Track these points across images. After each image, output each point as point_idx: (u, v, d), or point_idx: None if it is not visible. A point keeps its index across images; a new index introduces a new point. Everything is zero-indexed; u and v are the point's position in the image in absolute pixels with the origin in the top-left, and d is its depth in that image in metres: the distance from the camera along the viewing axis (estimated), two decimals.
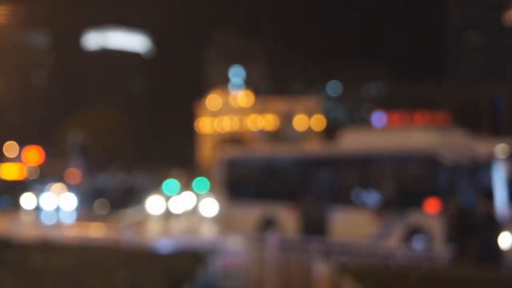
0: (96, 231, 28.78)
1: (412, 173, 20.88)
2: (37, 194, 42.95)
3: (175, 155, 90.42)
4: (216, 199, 38.94)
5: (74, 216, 37.22)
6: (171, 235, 28.16)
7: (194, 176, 55.17)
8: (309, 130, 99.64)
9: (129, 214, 35.97)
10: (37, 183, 47.79)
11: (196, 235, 28.88)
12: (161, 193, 42.58)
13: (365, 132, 24.02)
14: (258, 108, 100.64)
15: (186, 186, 47.30)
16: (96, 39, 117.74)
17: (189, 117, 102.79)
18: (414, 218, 19.87)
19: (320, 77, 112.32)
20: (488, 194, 17.91)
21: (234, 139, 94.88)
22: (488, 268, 13.55)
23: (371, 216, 20.96)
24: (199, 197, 43.27)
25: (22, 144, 65.20)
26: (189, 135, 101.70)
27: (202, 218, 37.15)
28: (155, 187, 44.74)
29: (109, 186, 49.42)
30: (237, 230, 23.97)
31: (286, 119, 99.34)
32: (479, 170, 18.57)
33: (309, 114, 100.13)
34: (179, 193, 43.78)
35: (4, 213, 37.56)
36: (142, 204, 39.48)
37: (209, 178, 55.77)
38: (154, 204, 39.92)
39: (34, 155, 61.05)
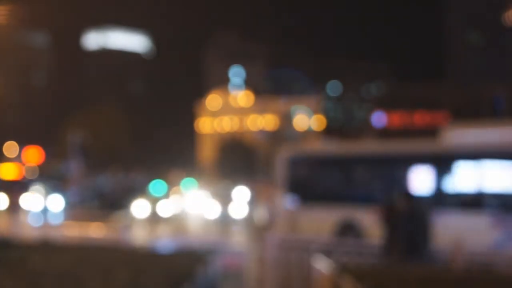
0: (96, 231, 28.78)
1: None
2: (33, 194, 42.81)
3: (175, 155, 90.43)
4: (240, 200, 38.13)
5: (61, 217, 36.73)
6: (171, 236, 28.13)
7: (193, 176, 55.15)
8: (309, 130, 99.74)
9: (118, 217, 35.42)
10: (36, 183, 47.77)
11: (196, 235, 28.85)
12: (148, 196, 40.49)
13: (479, 127, 22.10)
14: (258, 108, 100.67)
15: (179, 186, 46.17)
16: (96, 39, 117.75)
17: (189, 117, 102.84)
18: None
19: (320, 77, 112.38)
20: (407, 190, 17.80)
21: (234, 139, 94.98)
22: (412, 263, 13.48)
23: (490, 221, 19.30)
24: (187, 197, 41.68)
25: (22, 144, 65.21)
26: (189, 135, 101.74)
27: (206, 221, 35.57)
28: (141, 189, 43.12)
29: (109, 186, 49.44)
30: (306, 235, 21.84)
31: (286, 119, 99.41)
32: None
33: (309, 114, 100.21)
34: (167, 194, 41.90)
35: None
36: (128, 208, 37.53)
37: (200, 177, 55.84)
38: (139, 208, 37.76)
39: (34, 155, 61.04)
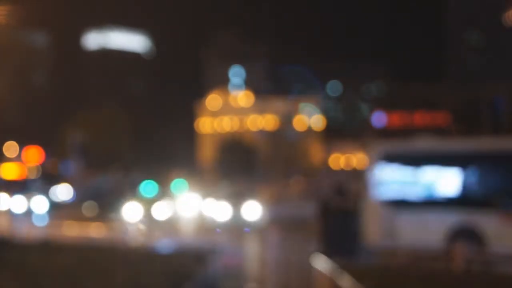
0: (96, 231, 28.76)
1: None
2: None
3: (175, 156, 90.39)
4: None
5: (45, 219, 36.10)
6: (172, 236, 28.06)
7: (193, 177, 54.97)
8: (309, 130, 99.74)
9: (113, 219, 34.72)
10: (37, 183, 47.70)
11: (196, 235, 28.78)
12: (139, 197, 38.18)
13: None
14: (258, 108, 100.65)
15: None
16: (96, 39, 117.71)
17: (189, 117, 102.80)
18: None
19: (320, 77, 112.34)
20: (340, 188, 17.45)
21: (235, 139, 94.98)
22: (345, 259, 13.15)
23: None
24: (177, 199, 39.51)
25: (22, 144, 65.15)
26: (189, 135, 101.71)
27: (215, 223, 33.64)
28: (131, 190, 40.73)
29: (108, 186, 49.31)
30: (410, 241, 19.02)
31: (286, 119, 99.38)
32: None
33: (309, 114, 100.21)
34: (159, 196, 39.59)
35: None
36: (118, 212, 35.57)
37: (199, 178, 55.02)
38: (130, 211, 35.41)
39: (34, 155, 61.00)
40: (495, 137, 31.25)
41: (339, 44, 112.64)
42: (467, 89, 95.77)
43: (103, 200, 43.51)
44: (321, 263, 13.01)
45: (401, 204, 19.62)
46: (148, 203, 36.73)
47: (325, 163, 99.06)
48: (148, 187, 41.67)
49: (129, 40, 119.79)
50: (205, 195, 38.28)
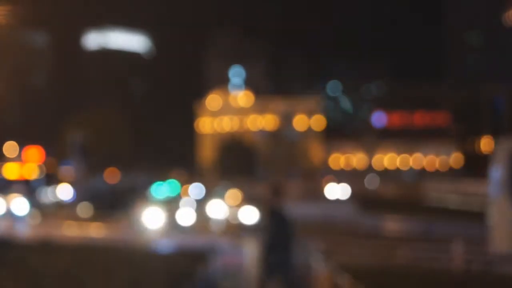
0: (96, 231, 28.75)
1: None
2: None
3: (175, 155, 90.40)
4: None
5: (26, 221, 35.40)
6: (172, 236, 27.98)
7: (193, 177, 54.89)
8: (309, 130, 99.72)
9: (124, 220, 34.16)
10: (39, 183, 47.63)
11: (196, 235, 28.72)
12: (151, 199, 35.82)
13: None
14: (258, 108, 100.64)
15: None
16: (96, 39, 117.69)
17: (189, 117, 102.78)
18: None
19: (320, 77, 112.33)
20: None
21: (235, 139, 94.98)
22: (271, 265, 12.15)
23: None
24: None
25: (22, 144, 65.15)
26: (189, 135, 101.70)
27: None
28: (141, 193, 38.70)
29: (107, 186, 49.29)
30: None
31: (286, 119, 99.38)
32: None
33: (309, 114, 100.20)
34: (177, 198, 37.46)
35: None
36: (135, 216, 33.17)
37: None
38: (151, 216, 32.62)
39: (34, 155, 60.99)
40: None
41: (339, 44, 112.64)
42: (467, 89, 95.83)
43: (105, 199, 43.35)
44: (321, 263, 13.01)
45: None
46: (169, 205, 34.37)
47: (325, 163, 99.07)
48: (160, 189, 39.81)
49: (129, 40, 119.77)
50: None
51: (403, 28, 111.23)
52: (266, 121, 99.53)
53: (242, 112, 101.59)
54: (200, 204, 36.04)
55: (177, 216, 33.28)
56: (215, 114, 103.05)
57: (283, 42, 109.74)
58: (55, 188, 49.93)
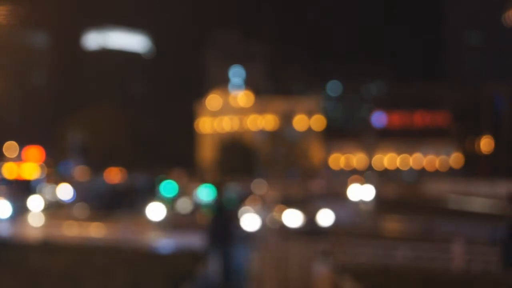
0: (96, 231, 28.75)
1: None
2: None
3: (175, 155, 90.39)
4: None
5: (5, 225, 34.80)
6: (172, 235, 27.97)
7: (193, 177, 54.80)
8: (309, 130, 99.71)
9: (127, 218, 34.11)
10: (40, 183, 47.53)
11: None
12: (160, 198, 36.67)
13: None
14: (258, 108, 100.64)
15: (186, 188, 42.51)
16: (96, 39, 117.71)
17: (189, 117, 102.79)
18: None
19: (320, 77, 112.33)
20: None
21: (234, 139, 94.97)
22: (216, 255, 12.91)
23: None
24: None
25: (22, 144, 65.16)
26: (189, 135, 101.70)
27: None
28: (151, 190, 39.68)
29: (107, 186, 49.24)
30: None
31: (286, 119, 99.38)
32: None
33: (309, 114, 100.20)
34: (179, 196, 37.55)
35: None
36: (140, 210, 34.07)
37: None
38: (155, 210, 34.05)
39: (34, 155, 60.99)
40: None
41: (339, 44, 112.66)
42: (467, 89, 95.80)
43: (104, 199, 43.29)
44: (321, 263, 13.01)
45: None
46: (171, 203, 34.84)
47: (325, 163, 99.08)
48: (168, 187, 39.53)
49: (129, 40, 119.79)
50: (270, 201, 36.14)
51: (403, 28, 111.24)
52: (266, 121, 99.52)
53: (242, 112, 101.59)
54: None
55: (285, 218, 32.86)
56: (215, 114, 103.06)
57: (283, 42, 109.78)
58: (55, 188, 49.92)
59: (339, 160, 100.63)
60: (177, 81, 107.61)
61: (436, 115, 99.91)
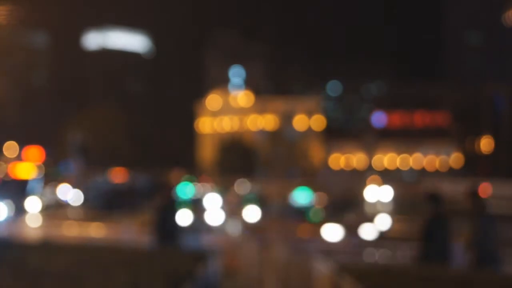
0: (96, 231, 28.76)
1: None
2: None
3: (175, 155, 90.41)
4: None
5: (4, 226, 34.56)
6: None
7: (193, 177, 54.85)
8: (309, 130, 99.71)
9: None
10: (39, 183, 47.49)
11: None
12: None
13: None
14: (258, 108, 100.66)
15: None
16: (96, 39, 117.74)
17: (189, 117, 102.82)
18: None
19: (320, 77, 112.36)
20: None
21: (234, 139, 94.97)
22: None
23: None
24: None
25: (22, 144, 65.20)
26: (189, 135, 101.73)
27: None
28: (151, 190, 39.88)
29: (107, 186, 49.26)
30: None
31: (286, 119, 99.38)
32: None
33: (309, 114, 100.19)
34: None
35: None
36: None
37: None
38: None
39: (34, 155, 61.00)
40: None
41: (339, 44, 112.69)
42: (467, 89, 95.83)
43: (104, 199, 43.25)
44: (321, 263, 13.03)
45: None
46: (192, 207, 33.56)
47: (325, 163, 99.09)
48: (185, 188, 38.23)
49: (129, 40, 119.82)
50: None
51: (403, 28, 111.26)
52: (266, 121, 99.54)
53: (242, 112, 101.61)
54: None
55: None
56: (215, 114, 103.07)
57: (283, 42, 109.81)
58: (54, 188, 49.93)
59: (339, 160, 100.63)
60: (177, 81, 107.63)
61: (436, 115, 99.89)
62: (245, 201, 35.56)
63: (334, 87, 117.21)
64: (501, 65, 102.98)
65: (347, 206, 35.62)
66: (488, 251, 12.84)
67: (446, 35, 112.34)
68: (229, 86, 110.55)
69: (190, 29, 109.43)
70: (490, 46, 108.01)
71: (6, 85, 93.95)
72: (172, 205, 14.37)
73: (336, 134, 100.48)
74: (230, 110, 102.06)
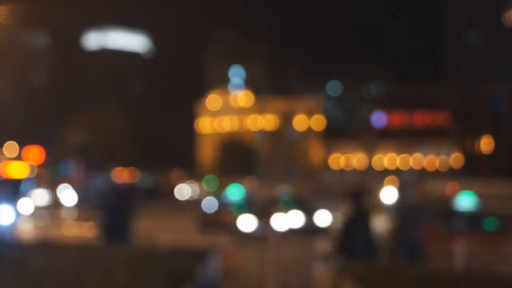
0: (96, 231, 28.68)
1: None
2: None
3: (175, 155, 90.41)
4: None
5: (10, 231, 33.97)
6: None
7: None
8: (309, 130, 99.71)
9: None
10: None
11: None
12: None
13: None
14: (258, 108, 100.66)
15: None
16: (96, 39, 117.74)
17: (189, 117, 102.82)
18: None
19: (320, 77, 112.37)
20: None
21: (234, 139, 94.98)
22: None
23: None
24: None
25: (22, 144, 65.17)
26: (189, 135, 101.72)
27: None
28: (151, 190, 38.77)
29: (109, 186, 49.18)
30: None
31: (286, 119, 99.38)
32: None
33: (309, 114, 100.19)
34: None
35: None
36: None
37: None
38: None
39: (34, 155, 60.98)
40: None
41: (339, 44, 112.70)
42: (467, 89, 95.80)
43: (103, 201, 43.10)
44: (321, 263, 13.03)
45: None
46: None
47: (325, 163, 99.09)
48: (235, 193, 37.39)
49: (129, 40, 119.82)
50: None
51: (403, 28, 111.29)
52: (266, 121, 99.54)
53: (242, 112, 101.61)
54: None
55: None
56: (215, 114, 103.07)
57: (283, 42, 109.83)
58: (50, 188, 49.83)
59: (339, 160, 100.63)
60: (177, 81, 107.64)
61: (436, 115, 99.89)
62: (282, 205, 33.44)
63: (334, 87, 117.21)
64: (501, 65, 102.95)
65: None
66: (408, 245, 13.14)
67: (446, 35, 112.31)
68: (229, 86, 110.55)
69: (190, 29, 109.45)
70: (490, 46, 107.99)
71: (6, 85, 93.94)
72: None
73: (336, 134, 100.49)
74: (230, 110, 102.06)
